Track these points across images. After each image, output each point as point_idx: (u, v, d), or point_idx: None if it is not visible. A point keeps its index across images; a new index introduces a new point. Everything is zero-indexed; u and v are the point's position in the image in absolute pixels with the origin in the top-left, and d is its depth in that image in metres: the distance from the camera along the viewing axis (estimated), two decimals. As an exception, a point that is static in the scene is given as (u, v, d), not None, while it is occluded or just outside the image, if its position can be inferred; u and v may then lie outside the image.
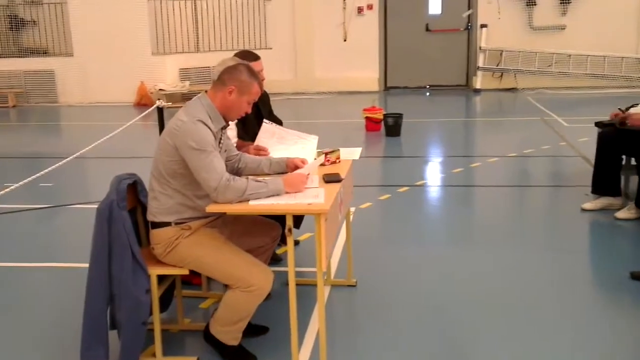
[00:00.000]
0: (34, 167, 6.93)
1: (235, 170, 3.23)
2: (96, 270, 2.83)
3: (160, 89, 11.66)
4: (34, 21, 12.71)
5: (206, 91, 2.98)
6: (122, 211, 2.84)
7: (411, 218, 5.08)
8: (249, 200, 2.77)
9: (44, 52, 12.62)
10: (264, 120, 3.68)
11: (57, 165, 6.33)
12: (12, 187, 6.13)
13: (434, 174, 6.58)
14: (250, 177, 2.97)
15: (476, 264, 4.07)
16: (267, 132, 3.63)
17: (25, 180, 6.38)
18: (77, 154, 6.58)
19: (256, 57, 3.92)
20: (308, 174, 3.07)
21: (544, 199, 5.67)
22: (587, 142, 7.06)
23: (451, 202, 5.62)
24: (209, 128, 2.82)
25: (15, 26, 12.70)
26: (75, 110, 11.81)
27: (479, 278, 3.86)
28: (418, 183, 6.07)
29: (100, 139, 6.69)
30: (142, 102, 11.77)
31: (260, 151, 3.46)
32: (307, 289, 3.56)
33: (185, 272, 2.94)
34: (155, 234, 2.90)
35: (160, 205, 2.88)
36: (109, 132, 6.91)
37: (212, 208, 2.75)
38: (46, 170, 6.18)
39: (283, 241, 4.20)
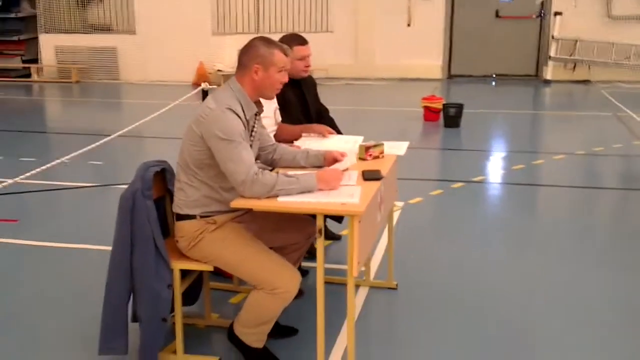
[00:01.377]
0: (88, 142, 6.96)
1: (270, 162, 3.03)
2: (117, 261, 2.71)
3: (218, 70, 11.60)
4: (100, -2, 12.87)
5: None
6: (146, 200, 2.69)
7: (463, 217, 4.77)
8: (277, 196, 2.56)
9: (108, 29, 12.75)
10: (294, 143, 3.45)
11: (107, 141, 6.34)
12: (60, 162, 6.16)
13: (492, 170, 6.21)
14: (281, 171, 2.78)
15: (532, 272, 3.75)
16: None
17: (76, 156, 6.41)
18: (125, 130, 6.56)
19: (303, 41, 3.70)
20: (345, 170, 2.84)
21: (614, 203, 5.24)
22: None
23: (509, 201, 5.26)
24: (239, 117, 2.62)
25: (82, 3, 12.87)
26: (135, 88, 11.91)
27: (535, 287, 3.56)
28: (474, 179, 5.72)
29: (154, 117, 6.66)
30: (201, 82, 11.73)
31: (292, 146, 3.24)
32: (344, 288, 3.34)
33: (210, 268, 2.77)
34: (179, 226, 2.75)
35: (186, 196, 2.72)
36: (164, 111, 6.89)
37: (237, 203, 2.56)
38: (94, 145, 6.19)
39: (329, 237, 4.01)
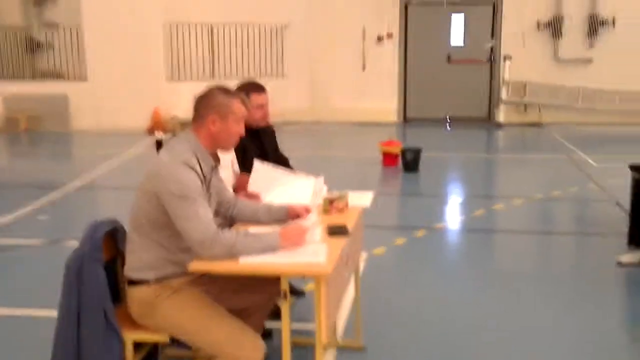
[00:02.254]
0: (34, 196, 6.62)
1: (229, 217, 2.86)
2: (63, 335, 2.48)
3: (173, 116, 11.40)
4: (49, 44, 12.58)
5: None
6: (94, 264, 2.48)
7: (428, 267, 4.65)
8: (238, 257, 2.38)
9: (58, 76, 12.44)
10: (255, 160, 3.30)
11: (57, 194, 6.04)
12: (4, 219, 5.82)
13: (453, 216, 6.15)
14: (241, 227, 2.61)
15: (501, 321, 3.65)
16: (259, 172, 3.25)
17: (21, 212, 6.08)
18: (76, 182, 6.29)
19: (260, 89, 3.58)
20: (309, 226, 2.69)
21: (574, 249, 5.22)
22: (619, 185, 6.58)
23: (472, 249, 5.18)
24: (195, 171, 2.45)
25: (31, 49, 12.57)
26: (86, 137, 11.57)
27: (504, 336, 3.45)
28: (436, 226, 5.64)
29: (107, 167, 6.42)
30: (156, 129, 11.49)
31: (252, 197, 3.08)
32: (310, 349, 3.15)
33: (166, 339, 2.55)
34: (131, 292, 2.53)
35: (139, 259, 2.51)
36: (117, 160, 6.66)
37: (195, 266, 2.37)
38: (43, 199, 5.88)
39: (292, 292, 3.81)
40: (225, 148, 2.66)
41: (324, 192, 3.25)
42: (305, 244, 2.52)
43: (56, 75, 12.44)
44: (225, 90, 2.61)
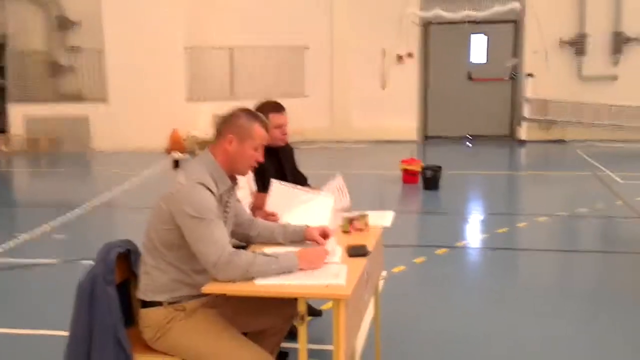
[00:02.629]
0: (51, 216, 6.62)
1: (246, 238, 2.78)
2: (74, 356, 2.40)
3: (193, 136, 11.44)
4: (71, 67, 12.74)
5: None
6: (107, 286, 2.41)
7: (450, 286, 4.52)
8: (254, 278, 2.30)
9: (79, 98, 12.57)
10: (272, 180, 3.22)
11: (75, 214, 6.03)
12: (22, 239, 5.81)
13: (475, 234, 6.01)
14: (257, 248, 2.53)
15: (525, 342, 3.51)
16: (277, 192, 3.17)
17: (38, 231, 6.08)
18: (94, 201, 6.28)
19: (280, 109, 3.52)
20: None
21: (602, 268, 5.04)
22: (648, 202, 6.42)
23: (495, 267, 5.04)
24: (211, 191, 2.38)
25: (53, 72, 12.73)
26: (106, 157, 11.64)
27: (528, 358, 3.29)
28: (458, 244, 5.51)
29: (125, 187, 6.41)
30: (174, 149, 11.52)
31: (269, 217, 2.99)
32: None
33: (178, 361, 2.46)
34: (144, 314, 2.45)
35: (152, 281, 2.44)
36: (135, 180, 6.65)
37: (209, 288, 2.29)
38: (61, 218, 5.88)
39: (309, 312, 3.71)
40: (240, 171, 2.58)
41: (345, 192, 3.16)
42: (323, 267, 2.43)
43: (77, 97, 12.58)
44: (249, 113, 2.55)
